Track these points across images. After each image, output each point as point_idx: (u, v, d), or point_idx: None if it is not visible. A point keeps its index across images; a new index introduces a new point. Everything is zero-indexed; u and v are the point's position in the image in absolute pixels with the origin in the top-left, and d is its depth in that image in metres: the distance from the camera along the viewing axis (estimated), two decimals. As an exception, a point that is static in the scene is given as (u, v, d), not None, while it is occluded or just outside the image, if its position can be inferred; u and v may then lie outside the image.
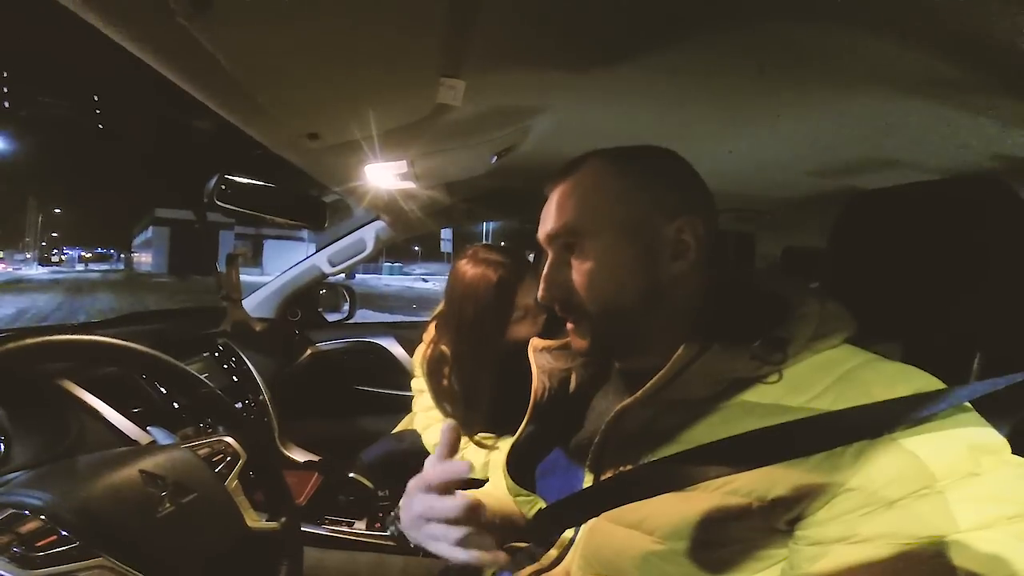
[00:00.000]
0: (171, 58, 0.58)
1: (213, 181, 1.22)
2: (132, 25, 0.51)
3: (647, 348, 0.58)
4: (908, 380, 0.46)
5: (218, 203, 1.22)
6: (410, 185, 1.13)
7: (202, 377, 0.78)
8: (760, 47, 0.61)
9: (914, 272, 0.65)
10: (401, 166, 0.97)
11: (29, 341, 0.57)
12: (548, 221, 0.58)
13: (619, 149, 0.59)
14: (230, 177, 1.24)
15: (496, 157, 1.08)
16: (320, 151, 0.89)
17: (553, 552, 0.60)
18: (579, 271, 0.56)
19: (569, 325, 0.59)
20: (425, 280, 28.87)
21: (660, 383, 0.51)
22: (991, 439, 0.42)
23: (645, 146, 0.59)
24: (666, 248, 0.55)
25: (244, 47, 0.55)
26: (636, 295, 0.55)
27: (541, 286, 0.59)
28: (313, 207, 1.43)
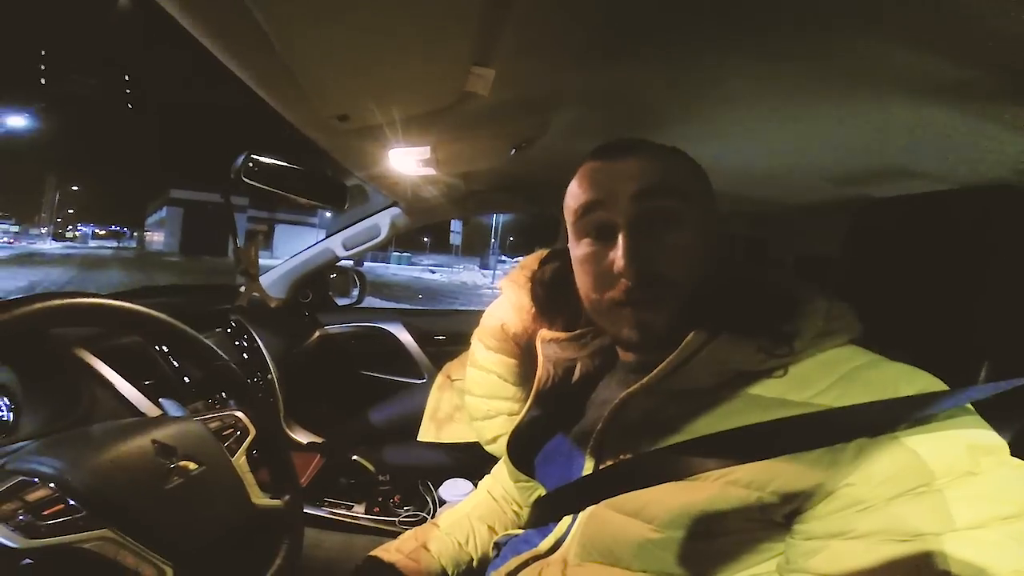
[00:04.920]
0: (225, 33, 0.58)
1: (241, 159, 1.24)
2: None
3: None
4: (911, 380, 0.46)
5: (245, 180, 1.24)
6: (431, 171, 1.13)
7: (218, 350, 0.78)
8: (779, 53, 0.61)
9: (926, 281, 0.64)
10: (424, 151, 0.98)
11: (56, 302, 0.57)
12: (633, 180, 0.54)
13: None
14: (257, 156, 1.26)
15: (515, 149, 1.08)
16: (348, 133, 0.90)
17: (551, 539, 0.61)
18: (679, 239, 0.54)
19: (639, 310, 0.55)
20: (432, 271, 28.95)
21: (667, 370, 0.52)
22: (990, 440, 0.42)
23: None
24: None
25: (294, 23, 0.55)
26: (713, 274, 0.56)
27: (634, 260, 0.53)
28: (335, 189, 1.45)
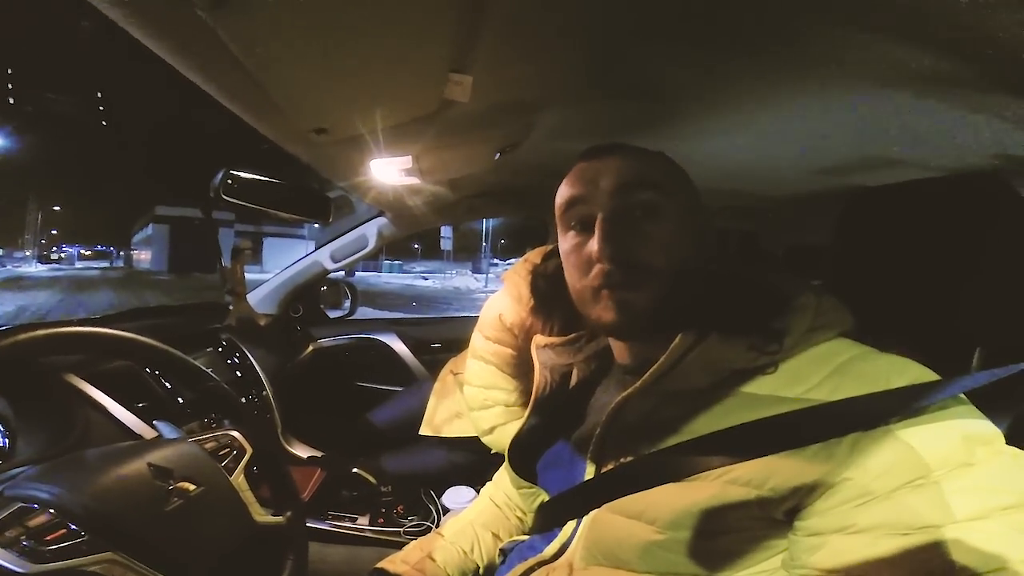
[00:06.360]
0: (188, 52, 0.58)
1: (219, 176, 1.23)
2: (151, 18, 0.51)
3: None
4: (903, 371, 0.46)
5: (224, 198, 1.23)
6: (415, 180, 1.13)
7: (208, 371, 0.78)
8: (764, 45, 0.61)
9: (916, 269, 0.65)
10: (406, 161, 0.97)
11: (40, 332, 0.56)
12: (614, 175, 0.56)
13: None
14: (236, 172, 1.25)
15: (499, 154, 1.09)
16: (327, 146, 0.89)
17: (556, 544, 0.61)
18: (657, 229, 0.55)
19: (617, 291, 0.55)
20: (425, 278, 28.88)
21: (660, 371, 0.52)
22: (985, 429, 0.43)
23: None
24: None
25: (260, 40, 0.55)
26: (695, 267, 0.56)
27: (608, 244, 0.54)
28: (318, 202, 1.44)
